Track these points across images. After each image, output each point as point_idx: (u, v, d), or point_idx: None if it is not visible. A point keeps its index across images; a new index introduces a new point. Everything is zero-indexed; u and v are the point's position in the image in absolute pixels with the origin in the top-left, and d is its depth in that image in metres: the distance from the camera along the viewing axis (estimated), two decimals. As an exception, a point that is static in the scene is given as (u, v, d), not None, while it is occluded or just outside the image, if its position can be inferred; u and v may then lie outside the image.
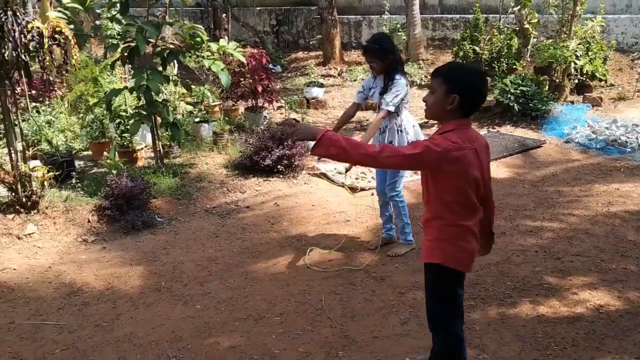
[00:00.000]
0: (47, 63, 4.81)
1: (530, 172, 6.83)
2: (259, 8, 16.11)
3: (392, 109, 4.50)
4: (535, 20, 9.66)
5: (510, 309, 4.00)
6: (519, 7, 9.54)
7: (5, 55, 4.72)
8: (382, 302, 4.13)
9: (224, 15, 15.18)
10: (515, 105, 8.48)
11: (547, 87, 9.21)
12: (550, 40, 10.05)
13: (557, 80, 9.47)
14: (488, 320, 3.87)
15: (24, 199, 5.37)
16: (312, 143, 2.60)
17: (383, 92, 4.58)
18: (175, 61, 6.48)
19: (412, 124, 4.74)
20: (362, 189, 6.33)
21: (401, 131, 4.63)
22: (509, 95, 8.48)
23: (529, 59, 9.95)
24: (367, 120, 9.47)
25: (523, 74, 9.20)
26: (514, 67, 9.82)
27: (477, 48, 10.35)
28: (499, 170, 6.91)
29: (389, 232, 4.99)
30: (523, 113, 8.62)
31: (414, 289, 4.27)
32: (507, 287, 4.29)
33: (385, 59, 4.54)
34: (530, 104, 8.57)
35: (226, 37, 13.54)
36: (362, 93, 4.82)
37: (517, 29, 9.95)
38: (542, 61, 9.34)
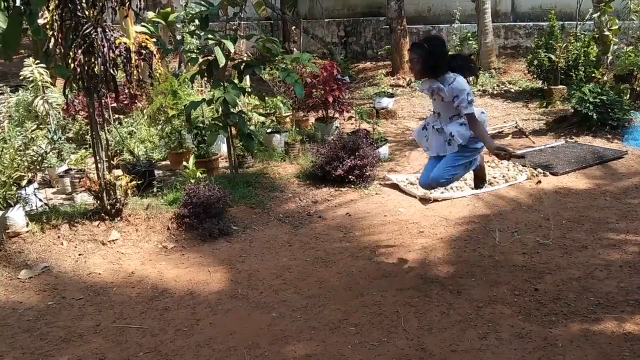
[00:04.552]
0: (134, 77, 5.04)
1: (612, 184, 6.56)
2: (327, 20, 16.28)
3: (472, 110, 4.20)
4: (616, 27, 9.30)
5: (594, 326, 3.86)
6: (598, 13, 9.21)
7: (95, 69, 4.98)
8: (459, 315, 4.06)
9: (293, 27, 15.46)
10: (594, 114, 8.18)
11: (628, 95, 8.84)
12: (631, 47, 9.65)
13: (638, 89, 9.08)
14: (571, 337, 3.74)
15: (108, 207, 5.61)
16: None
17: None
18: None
19: (481, 111, 4.52)
20: (435, 200, 6.26)
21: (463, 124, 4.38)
22: (587, 105, 8.19)
23: (608, 67, 9.58)
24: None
25: (602, 83, 8.87)
26: (593, 75, 9.48)
27: (552, 56, 10.06)
28: (578, 181, 6.68)
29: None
30: (602, 123, 8.29)
31: (492, 303, 4.18)
32: (591, 303, 4.13)
33: (426, 59, 4.24)
34: (610, 113, 8.24)
35: (295, 49, 13.80)
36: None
37: (596, 36, 9.60)
38: (622, 69, 8.98)
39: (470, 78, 4.42)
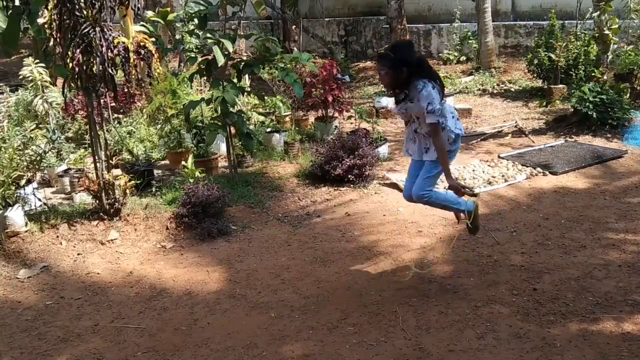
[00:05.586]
0: (133, 76, 5.04)
1: (612, 183, 6.55)
2: (327, 19, 16.27)
3: (435, 120, 4.04)
4: (616, 26, 9.28)
5: (593, 326, 3.85)
6: (598, 12, 9.20)
7: (94, 69, 4.97)
8: (457, 315, 4.06)
9: (293, 27, 15.45)
10: (594, 113, 8.16)
11: (628, 95, 8.83)
12: (631, 47, 9.64)
13: (638, 88, 9.07)
14: (569, 337, 3.73)
15: (107, 207, 5.61)
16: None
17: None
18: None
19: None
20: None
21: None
22: (587, 104, 8.17)
23: (608, 66, 9.56)
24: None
25: (602, 82, 8.85)
26: (593, 74, 9.47)
27: (552, 55, 10.05)
28: (577, 180, 6.67)
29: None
30: (602, 122, 8.27)
31: (490, 303, 4.17)
32: (589, 303, 4.12)
33: (398, 70, 4.05)
34: (610, 113, 8.22)
35: (295, 49, 13.78)
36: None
37: (596, 35, 9.59)
38: (622, 68, 8.97)
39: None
